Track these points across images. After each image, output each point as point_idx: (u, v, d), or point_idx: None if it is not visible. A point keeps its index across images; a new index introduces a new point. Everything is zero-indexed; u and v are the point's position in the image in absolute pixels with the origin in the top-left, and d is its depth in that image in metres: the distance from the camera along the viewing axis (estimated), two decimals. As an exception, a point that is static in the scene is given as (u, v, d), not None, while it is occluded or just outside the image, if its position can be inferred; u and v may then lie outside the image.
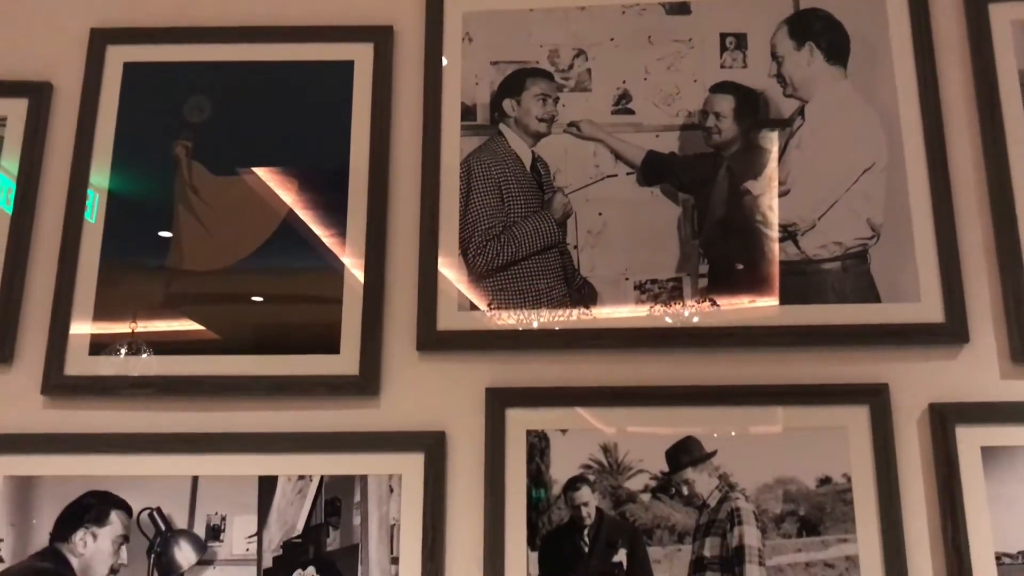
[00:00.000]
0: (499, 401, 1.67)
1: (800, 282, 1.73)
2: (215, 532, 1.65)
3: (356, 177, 1.81)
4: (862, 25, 1.85)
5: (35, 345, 1.76)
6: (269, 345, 1.74)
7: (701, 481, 1.63)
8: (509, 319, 1.73)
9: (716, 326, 1.71)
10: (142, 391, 1.72)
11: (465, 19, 1.89)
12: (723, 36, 1.86)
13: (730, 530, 1.60)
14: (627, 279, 1.75)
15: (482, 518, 1.62)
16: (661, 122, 1.82)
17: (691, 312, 1.72)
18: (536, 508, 1.63)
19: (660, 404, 1.67)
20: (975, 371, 1.68)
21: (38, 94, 1.89)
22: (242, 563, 1.64)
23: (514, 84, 1.85)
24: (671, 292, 1.73)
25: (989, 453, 1.61)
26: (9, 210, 1.83)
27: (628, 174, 1.80)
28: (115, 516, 1.65)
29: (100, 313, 1.77)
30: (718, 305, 1.72)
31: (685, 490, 1.63)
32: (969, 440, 1.62)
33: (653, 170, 1.80)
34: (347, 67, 1.88)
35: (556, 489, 1.64)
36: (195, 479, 1.67)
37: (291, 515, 1.65)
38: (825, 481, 1.62)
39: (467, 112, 1.85)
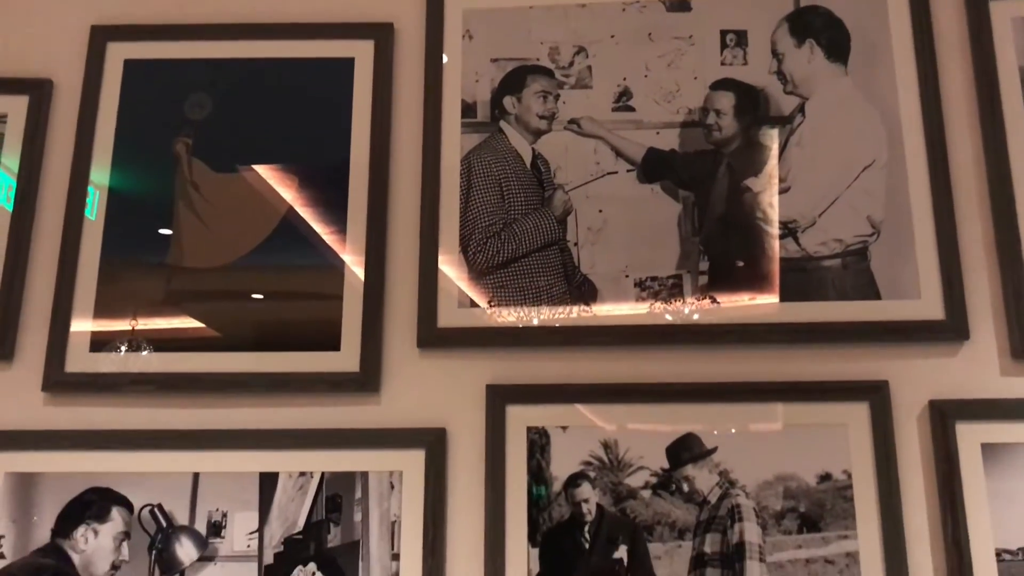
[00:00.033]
0: (500, 398, 1.67)
1: (800, 279, 1.73)
2: (216, 528, 1.65)
3: (356, 174, 1.81)
4: (862, 22, 1.85)
5: (36, 342, 1.76)
6: (270, 342, 1.74)
7: (701, 478, 1.64)
8: (509, 316, 1.73)
9: (716, 323, 1.71)
10: (143, 388, 1.72)
11: (465, 16, 1.89)
12: (723, 33, 1.86)
13: (730, 527, 1.60)
14: (627, 276, 1.75)
15: (483, 515, 1.62)
16: (661, 119, 1.82)
17: (691, 309, 1.72)
18: (537, 505, 1.63)
19: (661, 401, 1.67)
20: (975, 368, 1.68)
21: (39, 91, 1.89)
22: (243, 559, 1.64)
23: (514, 81, 1.86)
24: (671, 289, 1.74)
25: (989, 450, 1.62)
26: (9, 208, 1.83)
27: (628, 171, 1.80)
28: (116, 512, 1.66)
29: (101, 310, 1.77)
30: (718, 302, 1.73)
31: (686, 487, 1.63)
32: (969, 437, 1.62)
33: (653, 167, 1.80)
34: (347, 64, 1.88)
35: (557, 486, 1.64)
36: (196, 475, 1.67)
37: (292, 511, 1.66)
38: (825, 478, 1.62)
39: (467, 109, 1.85)
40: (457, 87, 1.85)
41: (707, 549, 1.60)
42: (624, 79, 1.85)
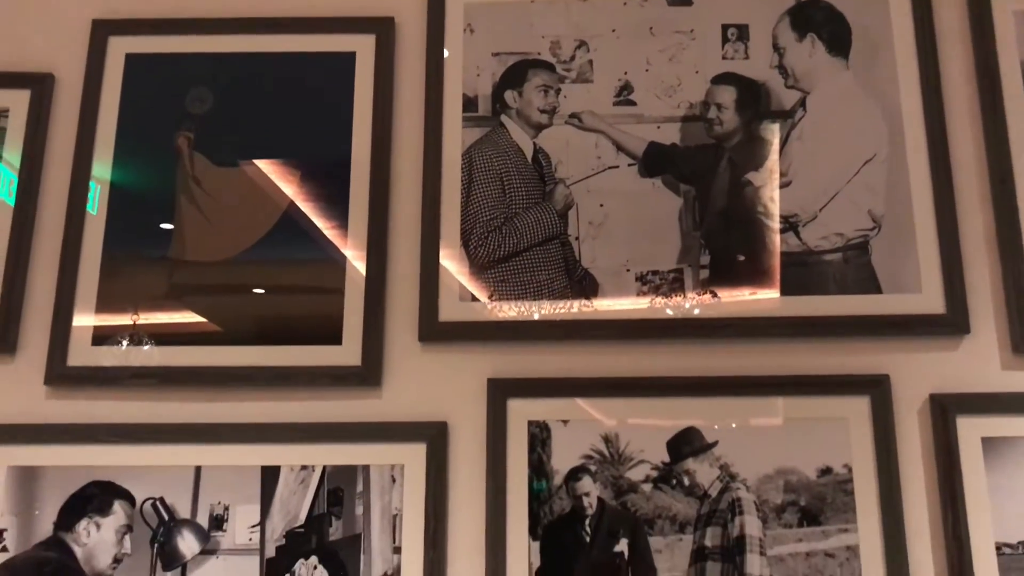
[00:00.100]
0: (501, 392, 1.68)
1: (801, 273, 1.73)
2: (218, 522, 1.65)
3: (358, 168, 1.81)
4: (864, 16, 1.85)
5: (38, 336, 1.76)
6: (271, 336, 1.75)
7: (702, 471, 1.64)
8: (510, 310, 1.74)
9: (717, 317, 1.71)
10: (145, 381, 1.72)
11: (467, 10, 1.89)
12: (725, 27, 1.86)
13: (731, 520, 1.61)
14: (628, 270, 1.75)
15: (484, 508, 1.63)
16: (663, 113, 1.82)
17: (692, 303, 1.72)
18: (538, 498, 1.64)
19: (661, 395, 1.68)
20: (976, 362, 1.69)
21: (40, 86, 1.89)
22: (245, 553, 1.64)
23: (516, 75, 1.86)
24: (672, 283, 1.74)
25: (989, 443, 1.62)
26: (11, 202, 1.83)
27: (630, 165, 1.80)
28: (118, 506, 1.66)
29: (103, 304, 1.77)
30: (718, 296, 1.73)
31: (686, 480, 1.64)
32: (970, 430, 1.62)
33: (655, 161, 1.80)
34: (349, 58, 1.88)
35: (557, 479, 1.65)
36: (198, 469, 1.68)
37: (294, 505, 1.66)
38: (826, 471, 1.63)
39: (469, 103, 1.85)
40: (458, 81, 1.85)
41: (708, 542, 1.60)
42: (625, 73, 1.85)
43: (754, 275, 1.73)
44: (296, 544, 1.64)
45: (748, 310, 1.71)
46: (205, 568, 1.64)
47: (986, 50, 1.81)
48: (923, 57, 1.81)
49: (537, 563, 1.61)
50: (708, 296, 1.73)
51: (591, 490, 1.64)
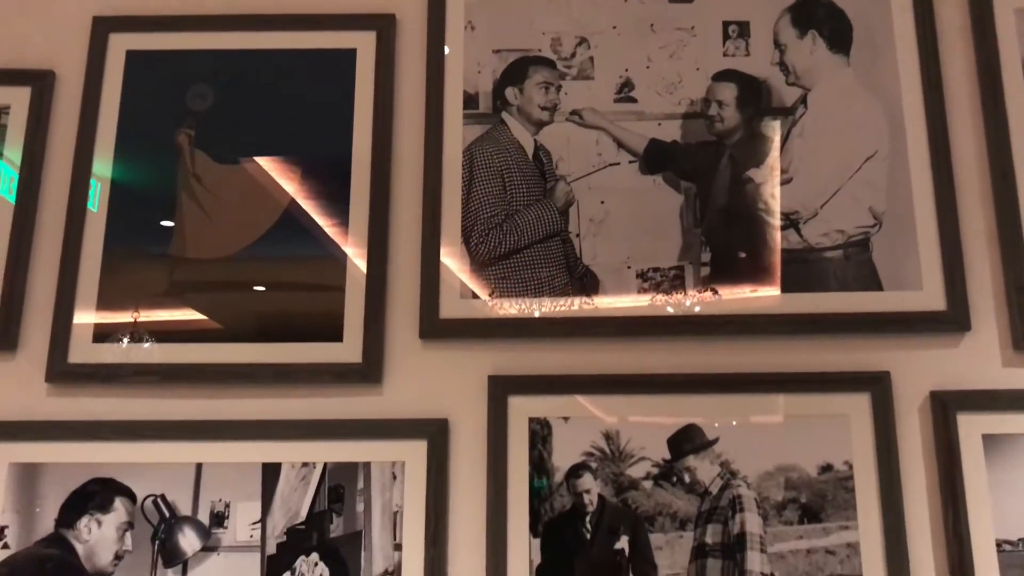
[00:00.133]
0: (501, 389, 1.68)
1: (802, 270, 1.73)
2: (219, 519, 1.66)
3: (358, 165, 1.81)
4: (865, 13, 1.85)
5: (39, 333, 1.76)
6: (272, 333, 1.75)
7: (703, 468, 1.64)
8: (511, 307, 1.74)
9: (718, 314, 1.71)
10: (146, 379, 1.72)
11: (467, 7, 1.89)
12: (726, 24, 1.86)
13: (732, 517, 1.61)
14: (629, 267, 1.75)
15: (484, 505, 1.63)
16: (663, 110, 1.82)
17: (693, 300, 1.72)
18: (538, 495, 1.64)
19: (662, 392, 1.68)
20: (977, 359, 1.69)
21: (41, 82, 1.89)
22: (246, 549, 1.64)
23: (516, 72, 1.85)
24: (673, 280, 1.74)
25: (990, 441, 1.62)
26: (12, 199, 1.83)
27: (630, 162, 1.80)
28: (119, 503, 1.66)
29: (103, 301, 1.77)
30: (719, 294, 1.73)
31: (687, 477, 1.64)
32: (970, 428, 1.62)
33: (655, 158, 1.80)
34: (349, 55, 1.88)
35: (558, 476, 1.65)
36: (199, 466, 1.68)
37: (295, 502, 1.66)
38: (826, 468, 1.63)
39: (469, 100, 1.85)
40: (459, 78, 1.85)
41: (708, 539, 1.60)
42: (626, 70, 1.84)
43: (755, 272, 1.73)
44: (297, 541, 1.64)
45: (749, 307, 1.71)
46: (206, 565, 1.64)
47: (987, 47, 1.81)
48: (924, 54, 1.81)
49: (538, 560, 1.61)
50: (709, 293, 1.73)
51: (592, 487, 1.64)
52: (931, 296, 1.70)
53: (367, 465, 1.67)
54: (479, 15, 1.89)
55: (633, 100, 1.83)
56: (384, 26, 1.89)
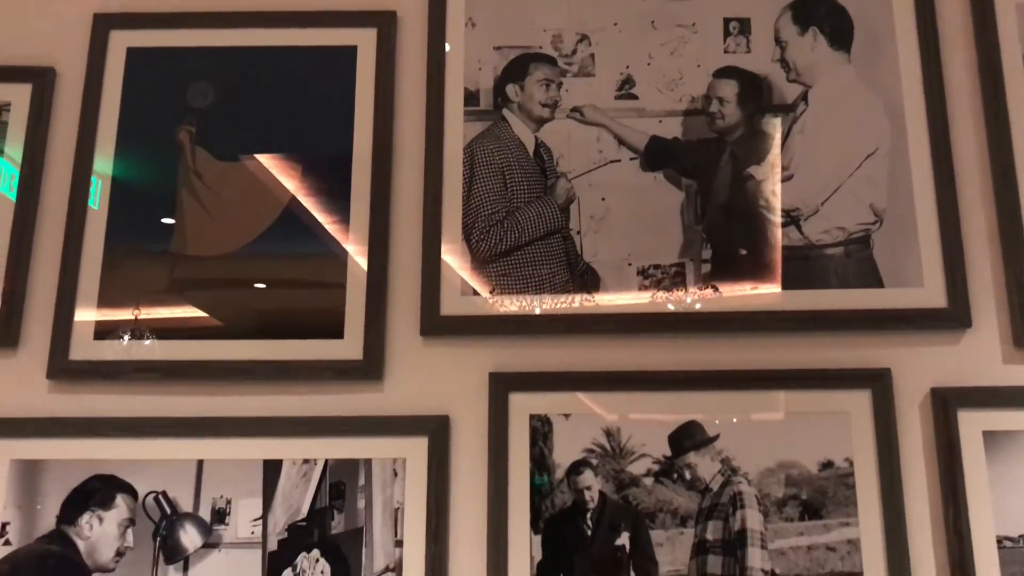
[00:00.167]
0: (502, 386, 1.68)
1: (803, 267, 1.73)
2: (220, 515, 1.66)
3: (359, 163, 1.81)
4: (866, 10, 1.85)
5: (40, 330, 1.76)
6: (273, 330, 1.75)
7: (703, 465, 1.64)
8: (512, 305, 1.74)
9: (719, 311, 1.71)
10: (147, 375, 1.72)
11: (468, 4, 1.89)
12: (726, 21, 1.86)
13: (732, 514, 1.61)
14: (630, 264, 1.75)
15: (486, 502, 1.63)
16: (664, 107, 1.82)
17: (693, 298, 1.72)
18: (539, 492, 1.64)
19: (663, 389, 1.68)
20: (977, 356, 1.69)
21: (42, 79, 1.89)
22: (247, 546, 1.65)
23: (517, 69, 1.85)
24: (674, 277, 1.74)
25: (991, 437, 1.62)
26: (13, 197, 1.83)
27: (631, 159, 1.80)
28: (121, 500, 1.66)
29: (105, 298, 1.77)
30: (719, 291, 1.73)
31: (688, 474, 1.64)
32: (971, 424, 1.62)
33: (656, 155, 1.80)
34: (350, 52, 1.88)
35: (559, 473, 1.65)
36: (200, 463, 1.68)
37: (296, 498, 1.66)
38: (827, 465, 1.63)
39: (470, 97, 1.85)
40: (460, 75, 1.85)
41: (709, 536, 1.60)
42: (627, 67, 1.84)
43: (756, 269, 1.74)
44: (298, 537, 1.64)
45: (750, 304, 1.71)
46: (207, 561, 1.64)
47: (988, 44, 1.81)
48: (925, 51, 1.81)
49: (539, 556, 1.61)
50: (710, 290, 1.73)
51: (592, 484, 1.64)
52: (932, 293, 1.70)
53: (368, 462, 1.67)
54: (480, 12, 1.89)
55: (634, 97, 1.83)
56: (385, 23, 1.89)
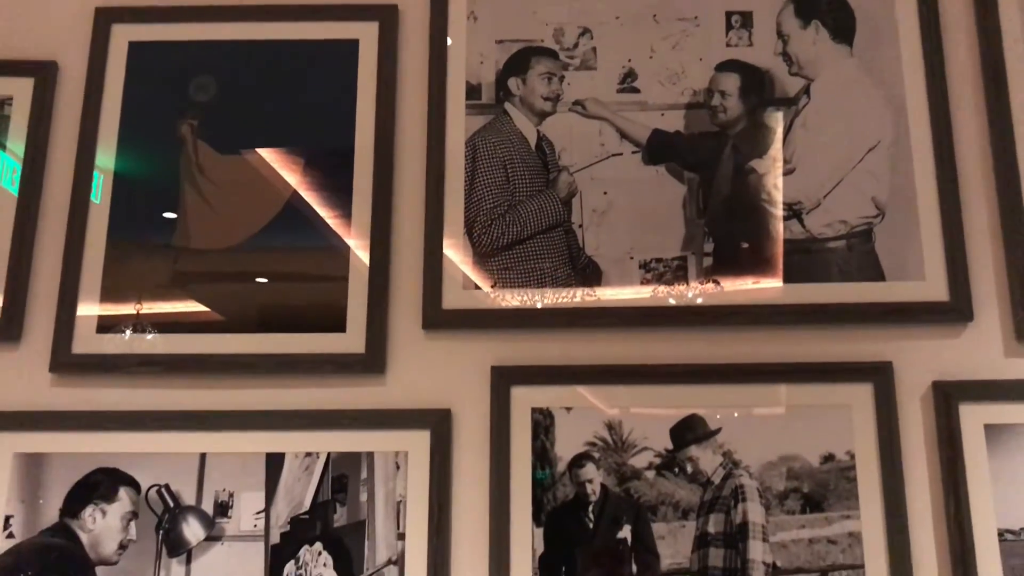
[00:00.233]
0: (504, 379, 1.68)
1: (805, 260, 1.73)
2: (223, 508, 1.66)
3: (361, 156, 1.81)
4: (868, 3, 1.85)
5: (43, 324, 1.77)
6: (275, 324, 1.75)
7: (705, 458, 1.64)
8: (514, 298, 1.74)
9: (721, 304, 1.71)
10: (150, 369, 1.73)
11: (469, -3, 1.89)
12: (728, 14, 1.86)
13: (734, 507, 1.61)
14: (632, 258, 1.75)
15: (487, 495, 1.63)
16: (666, 101, 1.82)
17: (695, 291, 1.72)
18: (541, 485, 1.64)
19: (664, 382, 1.68)
20: (979, 349, 1.69)
21: (43, 74, 1.89)
22: (250, 539, 1.65)
23: (519, 63, 1.85)
24: (676, 271, 1.74)
25: (992, 431, 1.62)
26: (15, 191, 1.83)
27: (633, 153, 1.80)
28: (124, 493, 1.67)
29: (107, 292, 1.77)
30: (721, 286, 1.73)
31: (689, 467, 1.64)
32: (973, 418, 1.62)
33: (658, 149, 1.80)
34: (352, 46, 1.88)
35: (561, 466, 1.65)
36: (203, 456, 1.68)
37: (298, 491, 1.67)
38: (829, 458, 1.63)
39: (472, 91, 1.85)
40: (462, 69, 1.85)
41: (711, 529, 1.61)
42: (629, 60, 1.84)
43: (758, 263, 1.73)
44: (301, 530, 1.65)
45: (751, 298, 1.71)
46: (210, 554, 1.65)
47: (991, 37, 1.81)
48: (927, 44, 1.81)
49: (540, 549, 1.61)
50: (711, 284, 1.73)
51: (594, 477, 1.64)
52: (934, 286, 1.70)
53: (370, 455, 1.67)
54: (481, 5, 1.88)
55: (636, 90, 1.83)
56: (386, 17, 1.89)
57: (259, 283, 1.80)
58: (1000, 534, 1.59)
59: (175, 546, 1.65)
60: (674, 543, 1.60)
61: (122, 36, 1.91)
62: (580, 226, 1.77)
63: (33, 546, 1.65)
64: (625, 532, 1.61)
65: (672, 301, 1.72)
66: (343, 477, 1.66)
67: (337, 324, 1.73)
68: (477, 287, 1.75)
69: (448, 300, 1.73)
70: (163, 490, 1.67)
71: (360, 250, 1.77)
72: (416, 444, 1.66)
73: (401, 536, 1.63)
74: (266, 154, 1.84)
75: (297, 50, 1.89)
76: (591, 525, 1.63)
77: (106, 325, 1.76)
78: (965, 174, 1.76)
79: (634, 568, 1.60)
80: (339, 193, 1.80)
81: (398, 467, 1.66)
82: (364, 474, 1.66)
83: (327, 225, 1.79)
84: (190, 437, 1.69)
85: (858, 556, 1.59)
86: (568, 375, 1.69)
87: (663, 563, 1.59)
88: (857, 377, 1.66)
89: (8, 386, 1.74)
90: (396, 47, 1.87)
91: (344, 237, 1.78)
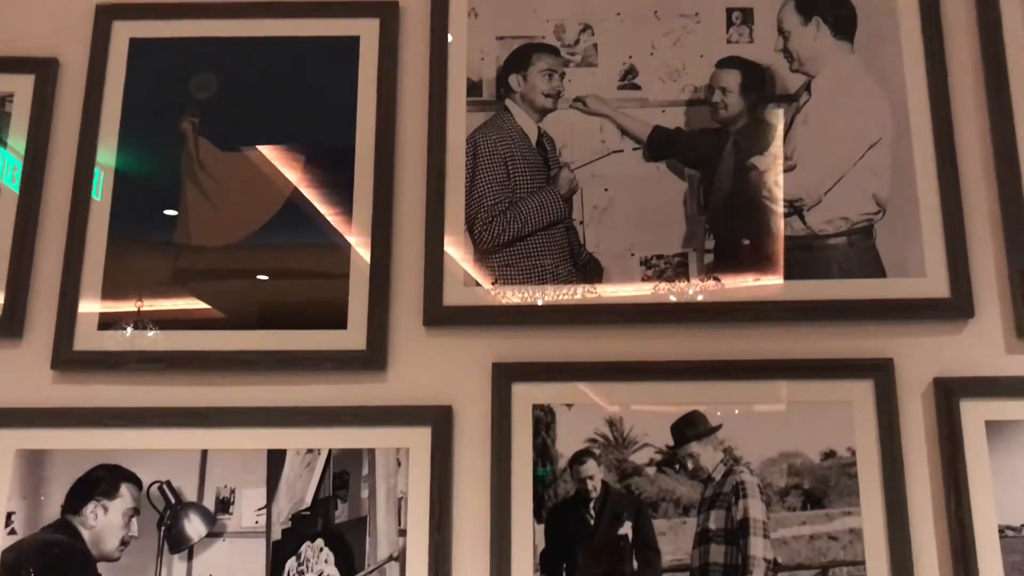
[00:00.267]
0: (506, 376, 1.68)
1: (806, 257, 1.73)
2: (224, 505, 1.66)
3: (362, 153, 1.81)
4: (869, -1, 1.85)
5: (44, 321, 1.77)
6: (276, 321, 1.75)
7: (706, 455, 1.64)
8: (515, 295, 1.74)
9: (722, 301, 1.71)
10: (151, 366, 1.73)
11: (470, -6, 1.89)
12: (729, 11, 1.85)
13: (735, 503, 1.61)
14: (633, 255, 1.75)
15: (488, 491, 1.63)
16: (667, 97, 1.82)
17: (696, 288, 1.73)
18: (542, 482, 1.64)
19: (666, 379, 1.68)
20: (980, 346, 1.69)
21: (44, 70, 1.89)
22: (251, 535, 1.65)
23: (520, 59, 1.85)
24: (677, 268, 1.74)
25: (993, 427, 1.62)
26: (16, 188, 1.84)
27: (634, 149, 1.80)
28: (125, 489, 1.67)
29: (108, 289, 1.78)
30: (721, 283, 1.73)
31: (690, 464, 1.64)
32: (973, 414, 1.62)
33: (659, 146, 1.80)
34: (352, 43, 1.88)
35: (562, 463, 1.65)
36: (204, 452, 1.69)
37: (300, 488, 1.67)
38: (830, 455, 1.63)
39: (473, 88, 1.85)
40: (462, 65, 1.85)
41: (711, 525, 1.61)
42: (630, 57, 1.84)
43: (758, 259, 1.73)
44: (302, 527, 1.65)
45: (752, 294, 1.71)
46: (211, 551, 1.65)
47: (992, 34, 1.80)
48: (929, 40, 1.81)
49: (541, 546, 1.62)
50: (712, 281, 1.73)
51: (595, 473, 1.64)
52: (934, 283, 1.70)
53: (372, 451, 1.67)
54: (482, 2, 1.88)
55: (637, 87, 1.83)
56: (387, 13, 1.88)
57: (260, 280, 1.80)
58: (1001, 530, 1.59)
59: (177, 542, 1.65)
60: (675, 539, 1.60)
61: (123, 33, 1.91)
62: (581, 223, 1.77)
63: (35, 543, 1.66)
64: (626, 528, 1.62)
65: (673, 298, 1.72)
66: (344, 473, 1.67)
67: (338, 321, 1.73)
68: (478, 284, 1.75)
69: (449, 297, 1.73)
70: (165, 487, 1.67)
71: (361, 247, 1.77)
72: (417, 441, 1.66)
73: (402, 532, 1.64)
74: (267, 151, 1.84)
75: (298, 47, 1.89)
76: (592, 521, 1.63)
77: (107, 322, 1.76)
78: (966, 171, 1.76)
79: (635, 564, 1.60)
80: (340, 190, 1.80)
81: (399, 464, 1.66)
82: (365, 470, 1.67)
83: (328, 222, 1.79)
84: (191, 434, 1.69)
85: (859, 552, 1.59)
86: (569, 372, 1.69)
87: (664, 559, 1.60)
88: (858, 374, 1.66)
89: (10, 383, 1.75)
90: (397, 44, 1.87)
91: (345, 234, 1.78)
